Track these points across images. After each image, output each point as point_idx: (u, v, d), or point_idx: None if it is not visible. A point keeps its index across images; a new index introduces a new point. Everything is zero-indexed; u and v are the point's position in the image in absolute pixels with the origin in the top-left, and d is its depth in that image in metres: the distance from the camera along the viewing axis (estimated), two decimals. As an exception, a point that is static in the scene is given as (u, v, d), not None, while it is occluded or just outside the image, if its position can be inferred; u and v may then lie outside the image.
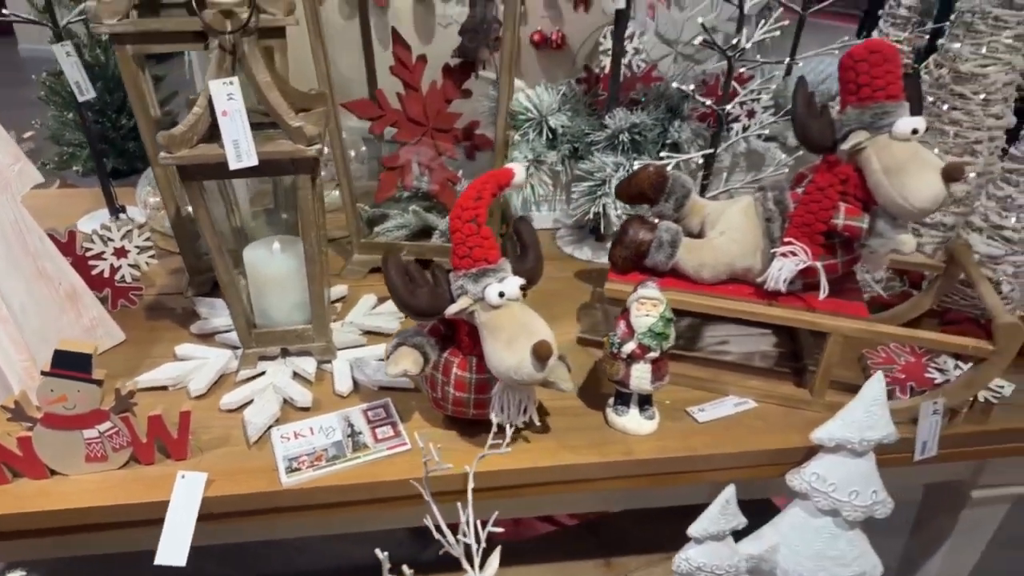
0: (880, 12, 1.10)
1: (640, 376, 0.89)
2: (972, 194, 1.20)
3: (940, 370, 1.04)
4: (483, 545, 0.72)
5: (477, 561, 0.71)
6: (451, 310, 0.80)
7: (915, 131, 0.85)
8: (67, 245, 1.08)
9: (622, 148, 1.27)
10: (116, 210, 1.43)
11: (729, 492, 0.81)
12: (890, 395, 0.99)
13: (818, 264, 0.91)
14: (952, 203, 1.24)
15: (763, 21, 1.13)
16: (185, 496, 0.82)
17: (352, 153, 1.49)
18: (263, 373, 1.01)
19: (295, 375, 1.02)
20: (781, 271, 0.92)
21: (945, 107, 1.21)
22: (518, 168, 0.89)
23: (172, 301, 1.20)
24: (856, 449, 0.82)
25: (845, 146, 0.88)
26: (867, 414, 0.80)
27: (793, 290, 0.95)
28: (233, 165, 0.82)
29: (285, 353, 1.04)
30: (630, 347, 0.88)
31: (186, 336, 1.10)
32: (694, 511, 0.88)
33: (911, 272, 1.22)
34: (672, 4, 1.51)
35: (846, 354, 1.09)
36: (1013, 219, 1.11)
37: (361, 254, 1.28)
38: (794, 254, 0.91)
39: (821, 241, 0.91)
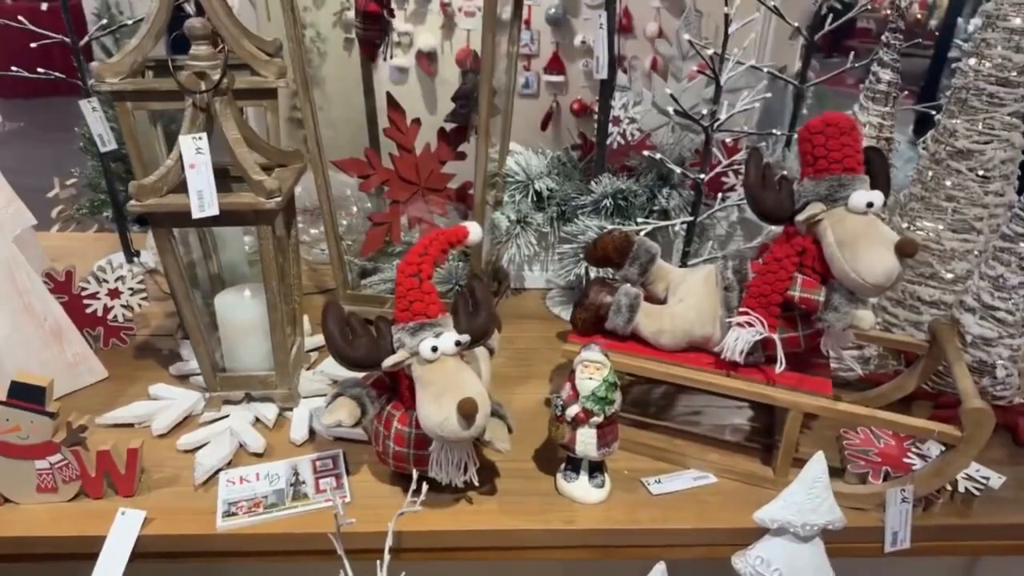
0: (862, 87, 1.10)
1: (585, 441, 0.87)
2: (972, 272, 1.15)
3: (922, 456, 0.98)
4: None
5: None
6: (387, 362, 0.81)
7: (870, 204, 0.83)
8: (64, 284, 1.15)
9: (607, 212, 1.28)
10: (131, 254, 1.52)
11: (659, 569, 0.77)
12: (863, 479, 0.94)
13: (775, 336, 0.89)
14: (953, 281, 1.20)
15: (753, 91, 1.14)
16: (121, 533, 0.83)
17: (355, 208, 1.54)
18: (227, 416, 1.03)
19: (257, 420, 1.04)
20: (737, 341, 0.90)
21: (944, 183, 1.18)
22: (473, 227, 0.91)
23: (161, 342, 1.25)
24: (799, 533, 0.77)
25: (800, 217, 0.86)
26: (809, 496, 0.76)
27: (753, 362, 0.93)
28: (196, 214, 0.87)
29: (249, 398, 1.06)
30: (574, 410, 0.86)
31: (165, 377, 1.14)
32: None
33: (908, 352, 1.17)
34: (669, 76, 1.54)
35: (823, 434, 1.05)
36: (1009, 301, 1.06)
37: (347, 305, 1.31)
38: (750, 324, 0.89)
39: (777, 312, 0.89)
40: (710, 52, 1.08)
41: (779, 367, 0.89)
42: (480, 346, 1.02)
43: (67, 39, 1.33)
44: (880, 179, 0.89)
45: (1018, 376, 1.12)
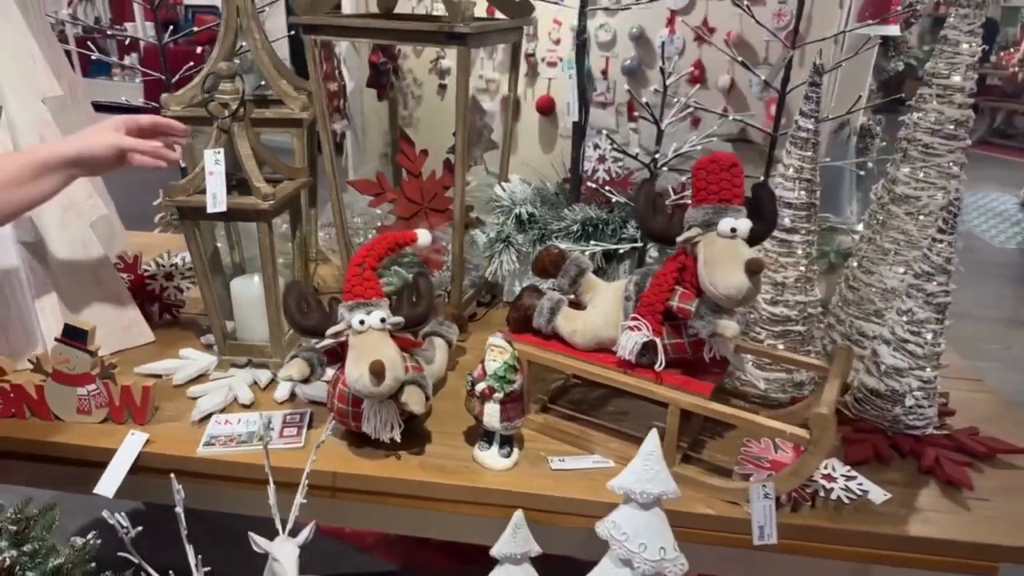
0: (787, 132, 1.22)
1: (491, 414, 1.05)
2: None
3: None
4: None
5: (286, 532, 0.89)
6: (329, 331, 1.03)
7: (733, 230, 0.97)
8: (131, 265, 1.46)
9: (577, 237, 1.45)
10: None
11: (518, 516, 0.92)
12: (745, 478, 1.05)
13: (657, 340, 1.03)
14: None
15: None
16: (128, 448, 1.09)
17: (379, 224, 1.79)
18: (231, 376, 1.28)
19: (254, 382, 1.28)
20: (627, 342, 1.04)
21: (886, 226, 1.28)
22: (422, 233, 1.13)
23: (203, 319, 1.53)
24: (639, 501, 0.90)
25: (679, 239, 1.01)
26: (644, 467, 0.89)
27: (647, 363, 1.06)
28: (209, 209, 1.13)
29: (251, 364, 1.31)
30: (480, 386, 1.04)
31: (196, 344, 1.41)
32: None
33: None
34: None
35: (735, 442, 1.15)
36: (919, 335, 1.14)
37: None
38: (638, 328, 1.04)
39: (660, 319, 1.03)
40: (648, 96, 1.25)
41: (659, 365, 1.03)
42: (438, 337, 1.23)
43: (163, 76, 1.68)
44: (765, 211, 1.02)
45: (933, 409, 1.18)
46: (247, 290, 1.29)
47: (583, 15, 1.33)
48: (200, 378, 1.29)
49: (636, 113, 2.05)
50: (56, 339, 1.11)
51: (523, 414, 1.08)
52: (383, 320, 1.02)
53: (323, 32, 1.29)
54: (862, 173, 1.67)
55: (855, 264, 1.36)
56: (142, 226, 1.95)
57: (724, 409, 1.00)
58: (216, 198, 1.13)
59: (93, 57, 1.78)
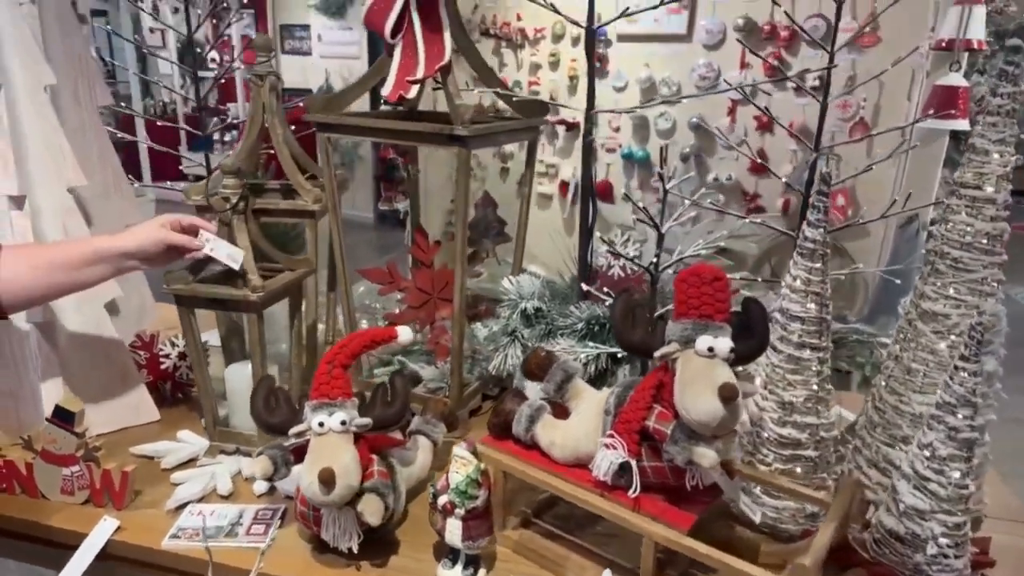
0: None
1: (452, 531, 0.99)
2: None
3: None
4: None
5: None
6: (292, 430, 1.01)
7: (711, 349, 0.90)
8: (148, 344, 1.51)
9: (581, 335, 1.40)
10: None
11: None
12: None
13: (633, 462, 0.95)
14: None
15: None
16: (97, 534, 1.09)
17: (397, 310, 1.80)
18: (218, 463, 1.28)
19: (239, 471, 1.27)
20: (602, 461, 0.97)
21: (913, 345, 1.17)
22: (403, 330, 1.11)
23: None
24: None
25: (656, 354, 0.94)
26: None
27: (624, 485, 0.98)
28: (235, 266, 1.16)
29: (238, 451, 1.30)
30: (443, 500, 0.99)
31: (198, 426, 1.42)
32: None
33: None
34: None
35: None
36: (941, 474, 1.01)
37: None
38: (613, 447, 0.96)
39: (637, 440, 0.96)
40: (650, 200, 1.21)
41: (633, 491, 0.95)
42: (423, 436, 1.19)
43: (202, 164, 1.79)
44: (755, 329, 0.95)
45: (963, 560, 1.03)
46: (240, 377, 1.29)
47: (588, 119, 1.32)
48: (189, 462, 1.29)
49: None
50: (46, 419, 1.14)
51: (489, 532, 1.01)
52: (343, 423, 0.99)
53: (335, 130, 1.33)
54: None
55: (882, 383, 1.24)
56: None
57: (700, 547, 0.90)
58: (233, 257, 1.15)
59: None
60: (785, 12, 1.56)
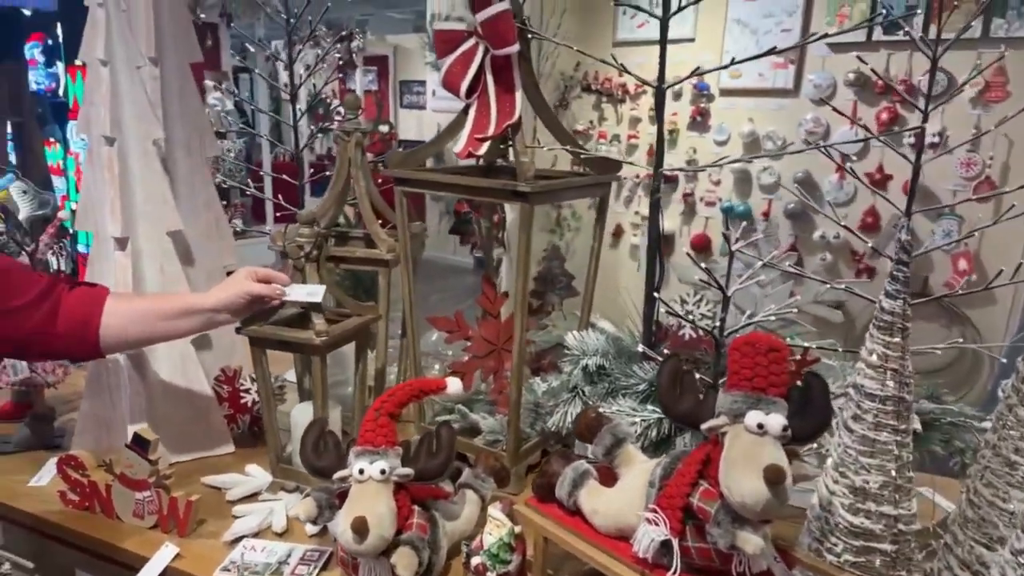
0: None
1: (484, 593, 0.96)
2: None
3: None
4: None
5: None
6: (336, 475, 1.02)
7: (761, 426, 0.84)
8: (231, 379, 1.60)
9: (643, 398, 1.35)
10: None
11: None
12: None
13: (674, 541, 0.89)
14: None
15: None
16: (158, 560, 1.15)
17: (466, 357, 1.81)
18: (279, 500, 1.32)
19: (297, 509, 1.30)
20: (642, 537, 0.92)
21: (1014, 434, 1.05)
22: (452, 381, 1.12)
23: (285, 436, 1.62)
24: None
25: (703, 427, 0.89)
26: None
27: (666, 565, 0.92)
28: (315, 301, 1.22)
29: (298, 489, 1.34)
30: (475, 560, 0.96)
31: (267, 461, 1.48)
32: None
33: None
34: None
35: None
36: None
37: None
38: (655, 523, 0.91)
39: (680, 517, 0.90)
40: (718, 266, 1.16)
41: (673, 573, 0.88)
42: (471, 490, 1.18)
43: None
44: (815, 407, 0.88)
45: None
46: (305, 417, 1.34)
47: (658, 175, 1.30)
48: (253, 496, 1.34)
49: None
50: (126, 445, 1.22)
51: (521, 599, 0.97)
52: (383, 472, 1.00)
53: (409, 184, 1.38)
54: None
55: (979, 475, 1.11)
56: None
57: (742, 643, 0.83)
58: (313, 293, 1.21)
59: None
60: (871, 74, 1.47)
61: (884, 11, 3.24)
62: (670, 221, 4.47)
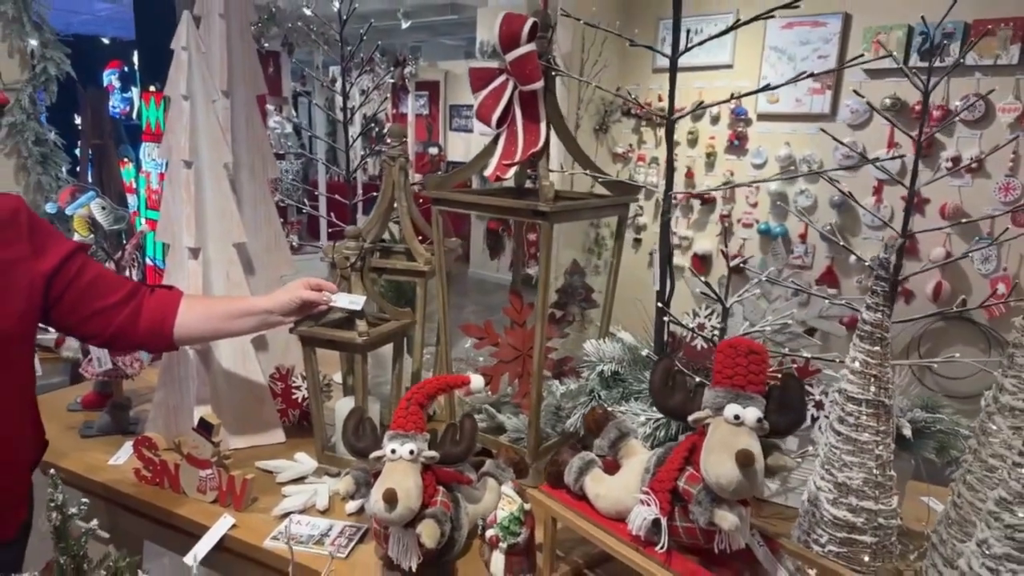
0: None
1: (496, 563, 1.09)
2: None
3: None
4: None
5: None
6: (372, 455, 1.17)
7: (737, 417, 0.95)
8: (284, 376, 1.78)
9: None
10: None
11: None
12: None
13: (663, 519, 1.01)
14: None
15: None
16: (217, 528, 1.31)
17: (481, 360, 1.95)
18: (323, 483, 1.48)
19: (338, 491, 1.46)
20: (635, 516, 1.04)
21: (991, 440, 1.13)
22: (475, 377, 1.26)
23: (330, 429, 1.78)
24: None
25: (690, 418, 1.01)
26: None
27: (658, 542, 1.04)
28: (355, 308, 1.39)
29: (339, 474, 1.49)
30: (489, 533, 1.10)
31: (313, 450, 1.65)
32: None
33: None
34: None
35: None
36: (1001, 574, 0.97)
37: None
38: (647, 504, 1.03)
39: (669, 499, 1.01)
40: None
41: (661, 546, 1.00)
42: (492, 478, 1.32)
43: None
44: (790, 404, 0.99)
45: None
46: (347, 409, 1.50)
47: (668, 199, 1.43)
48: (300, 479, 1.51)
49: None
50: (192, 428, 1.40)
51: (531, 570, 1.10)
52: (412, 452, 1.14)
53: (443, 204, 1.54)
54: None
55: (961, 478, 1.19)
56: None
57: (718, 609, 0.94)
58: (354, 302, 1.38)
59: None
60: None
61: (922, 37, 3.29)
62: (708, 241, 4.55)
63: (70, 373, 2.48)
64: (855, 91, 1.76)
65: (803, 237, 4.16)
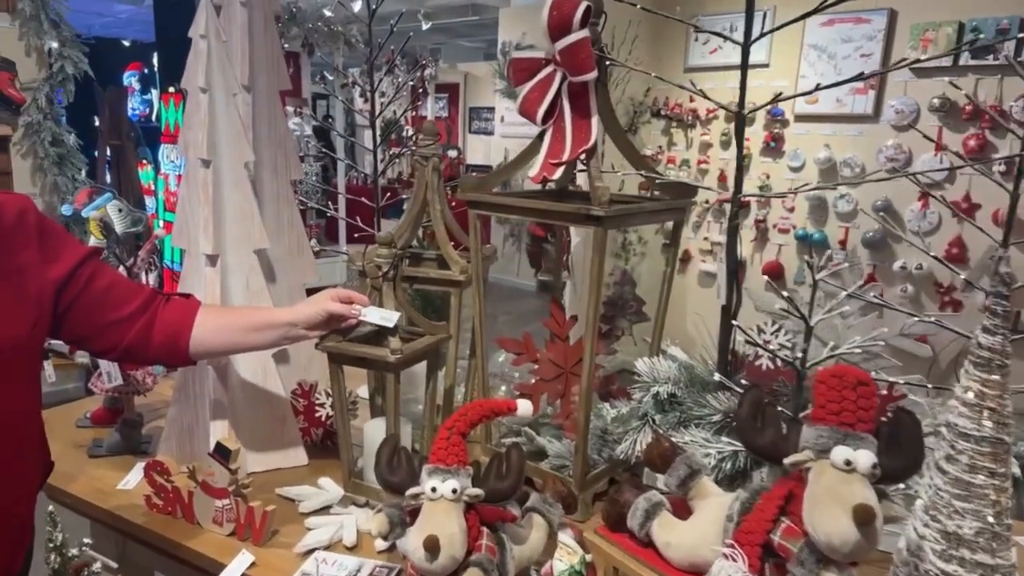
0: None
1: (553, 620, 0.95)
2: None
3: None
4: None
5: None
6: (408, 491, 1.04)
7: (848, 463, 0.80)
8: (307, 392, 1.64)
9: (717, 429, 1.31)
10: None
11: None
12: None
13: (752, 578, 0.86)
14: None
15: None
16: (235, 566, 1.18)
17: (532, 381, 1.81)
18: (349, 514, 1.34)
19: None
20: (719, 573, 0.89)
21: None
22: (523, 404, 1.12)
23: (357, 451, 1.65)
24: None
25: (786, 462, 0.86)
26: None
27: (743, 604, 0.89)
28: (390, 325, 1.26)
29: (368, 504, 1.36)
30: (545, 585, 0.96)
31: (338, 474, 1.51)
32: None
33: None
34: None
35: None
36: None
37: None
38: (732, 559, 0.88)
39: (759, 553, 0.87)
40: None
41: (750, 613, 0.85)
42: (538, 515, 1.18)
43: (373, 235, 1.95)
44: (904, 444, 0.84)
45: None
46: (378, 432, 1.36)
47: (736, 202, 1.28)
48: (324, 508, 1.37)
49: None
50: (208, 453, 1.27)
51: (589, 628, 0.96)
52: (455, 491, 1.00)
53: (482, 207, 1.41)
54: None
55: None
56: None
57: None
58: (386, 318, 1.25)
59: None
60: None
61: (975, 35, 3.12)
62: (742, 247, 4.38)
63: (85, 379, 2.38)
64: (951, 82, 1.59)
65: (843, 244, 3.98)
